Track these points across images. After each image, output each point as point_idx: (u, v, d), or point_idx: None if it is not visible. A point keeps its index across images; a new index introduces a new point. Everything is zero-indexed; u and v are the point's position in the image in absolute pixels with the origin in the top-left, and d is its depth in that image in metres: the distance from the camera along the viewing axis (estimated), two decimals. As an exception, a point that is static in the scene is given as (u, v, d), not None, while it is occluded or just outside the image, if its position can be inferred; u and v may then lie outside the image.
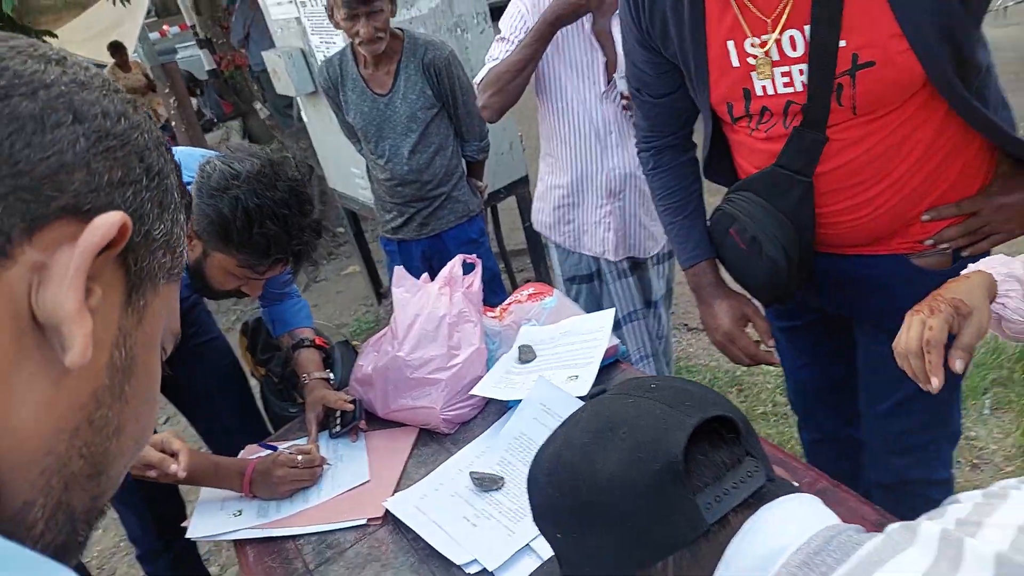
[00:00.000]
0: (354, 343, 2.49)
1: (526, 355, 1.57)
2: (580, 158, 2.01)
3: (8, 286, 0.32)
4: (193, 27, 7.89)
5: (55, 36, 7.32)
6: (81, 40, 7.96)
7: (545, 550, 1.13)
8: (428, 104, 2.22)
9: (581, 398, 1.34)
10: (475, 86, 1.97)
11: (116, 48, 7.92)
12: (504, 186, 3.08)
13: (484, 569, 1.14)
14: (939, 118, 1.08)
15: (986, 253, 1.18)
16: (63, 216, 0.33)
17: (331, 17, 2.13)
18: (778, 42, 1.07)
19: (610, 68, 1.90)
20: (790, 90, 1.10)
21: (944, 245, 1.17)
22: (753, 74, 1.12)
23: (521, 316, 1.76)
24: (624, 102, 1.92)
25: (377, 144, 2.28)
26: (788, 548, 0.54)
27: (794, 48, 1.07)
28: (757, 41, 1.10)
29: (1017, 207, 1.15)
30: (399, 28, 2.24)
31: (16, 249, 0.32)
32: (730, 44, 1.13)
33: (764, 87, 1.12)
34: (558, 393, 1.36)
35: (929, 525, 0.52)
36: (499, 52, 1.90)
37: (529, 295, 1.83)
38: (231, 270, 1.33)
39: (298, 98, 3.42)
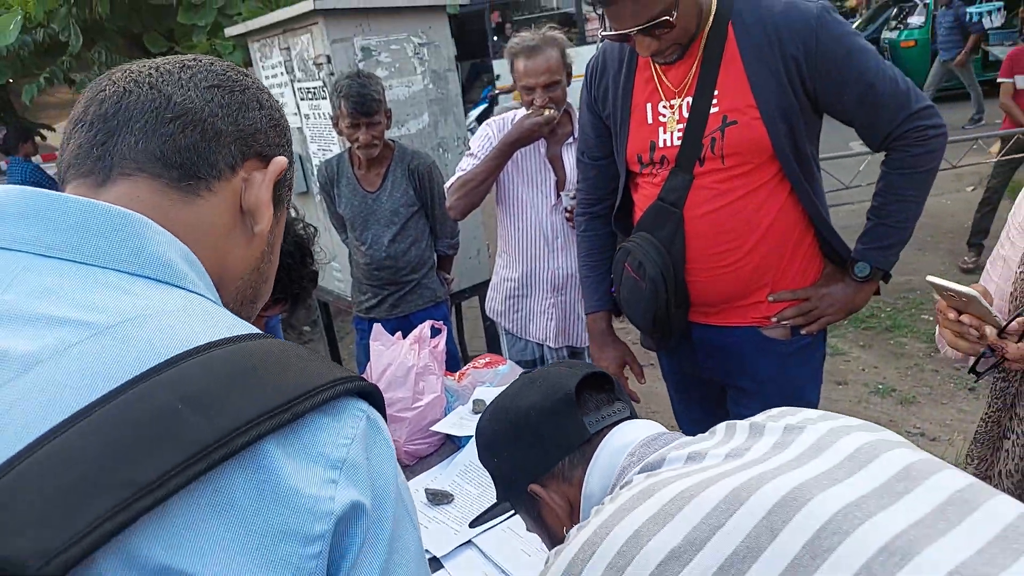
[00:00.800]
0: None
1: (479, 407, 1.84)
2: (530, 257, 2.37)
3: (232, 185, 0.62)
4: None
5: (53, 130, 7.73)
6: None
7: (485, 543, 1.36)
8: (410, 202, 2.59)
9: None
10: (446, 190, 2.35)
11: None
12: (470, 286, 3.43)
13: (434, 557, 1.35)
14: (783, 198, 1.49)
15: (824, 331, 1.57)
16: (257, 156, 0.64)
17: (335, 125, 2.53)
18: (680, 107, 1.49)
19: (560, 186, 2.31)
20: (679, 143, 1.50)
21: (785, 322, 1.55)
22: (660, 129, 1.52)
23: (477, 379, 2.03)
24: (568, 215, 2.30)
25: (362, 232, 2.62)
26: (634, 441, 0.85)
27: (687, 111, 1.48)
28: (667, 104, 1.51)
29: (838, 298, 1.56)
30: (391, 140, 2.66)
31: (238, 167, 0.62)
32: (648, 106, 1.54)
33: (665, 140, 1.52)
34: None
35: (742, 423, 0.82)
36: (467, 164, 2.31)
37: (485, 363, 2.12)
38: None
39: (288, 197, 3.79)
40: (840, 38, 1.40)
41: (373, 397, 0.53)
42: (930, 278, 1.13)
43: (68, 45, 4.80)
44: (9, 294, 0.47)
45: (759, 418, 0.80)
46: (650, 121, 1.54)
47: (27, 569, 0.35)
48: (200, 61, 0.64)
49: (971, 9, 10.14)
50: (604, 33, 1.48)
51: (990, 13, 9.77)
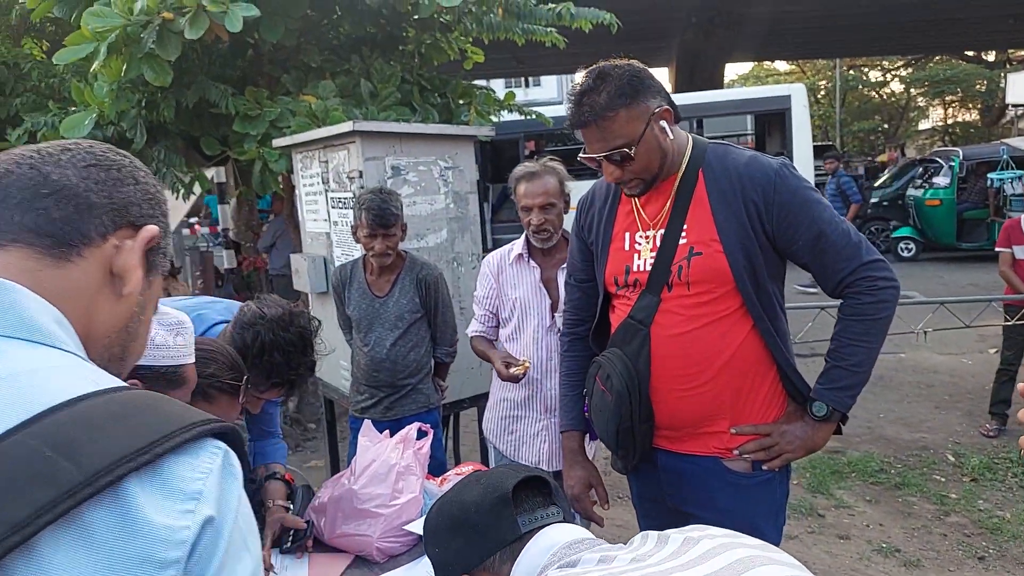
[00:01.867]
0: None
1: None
2: (526, 378, 2.45)
3: (103, 251, 0.69)
4: (225, 230, 8.85)
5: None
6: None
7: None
8: (414, 309, 2.73)
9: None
10: (469, 338, 2.64)
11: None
12: (469, 397, 3.49)
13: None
14: (746, 331, 1.59)
15: (788, 468, 1.62)
16: (130, 225, 0.72)
17: (354, 234, 2.72)
18: (654, 237, 1.64)
19: (554, 307, 2.44)
20: (651, 268, 1.63)
21: (747, 456, 1.60)
22: (635, 255, 1.66)
23: (457, 486, 2.07)
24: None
25: (367, 334, 2.74)
26: (559, 543, 0.92)
27: (660, 241, 1.62)
28: (643, 234, 1.66)
29: (798, 435, 1.62)
30: (404, 250, 2.83)
31: (109, 235, 0.70)
32: (627, 234, 1.70)
33: (638, 265, 1.66)
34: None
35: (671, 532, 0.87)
36: (478, 308, 2.60)
37: (469, 471, 2.15)
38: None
39: (310, 295, 3.97)
40: (796, 190, 1.56)
41: (228, 437, 0.59)
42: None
43: (133, 142, 5.21)
44: None
45: (669, 531, 0.86)
46: (627, 248, 1.70)
47: None
48: (80, 144, 0.73)
49: (992, 175, 10.47)
50: (581, 156, 1.68)
51: (1012, 181, 10.06)
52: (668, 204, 1.64)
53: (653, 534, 0.86)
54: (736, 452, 1.62)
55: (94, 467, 0.49)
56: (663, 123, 1.58)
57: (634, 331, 1.64)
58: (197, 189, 6.07)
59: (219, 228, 9.83)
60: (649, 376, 1.62)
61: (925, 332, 5.00)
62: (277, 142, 4.11)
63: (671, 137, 1.62)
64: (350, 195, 3.35)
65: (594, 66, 1.58)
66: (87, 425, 0.52)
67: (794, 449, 1.61)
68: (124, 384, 0.60)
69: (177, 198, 5.62)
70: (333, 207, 3.59)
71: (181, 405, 0.60)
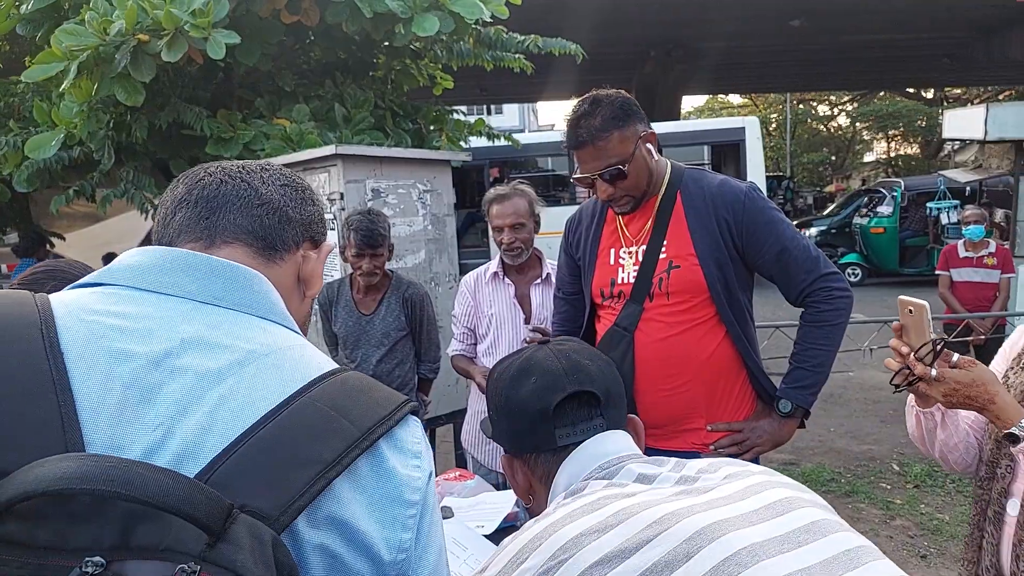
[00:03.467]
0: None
1: (446, 513, 1.97)
2: None
3: (295, 258, 0.81)
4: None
5: (63, 239, 8.06)
6: (83, 247, 8.72)
7: None
8: (400, 327, 2.83)
9: (486, 536, 1.75)
10: (450, 357, 2.74)
11: (109, 259, 8.68)
12: (446, 413, 3.59)
13: None
14: (720, 338, 1.76)
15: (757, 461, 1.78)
16: (310, 240, 0.84)
17: (342, 253, 2.82)
18: (636, 252, 1.80)
19: (527, 321, 2.59)
20: (634, 280, 1.79)
21: (721, 450, 1.76)
22: (619, 269, 1.82)
23: (446, 490, 2.17)
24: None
25: (353, 351, 2.84)
26: (607, 454, 0.96)
27: (642, 256, 1.78)
28: (627, 250, 1.82)
29: (767, 430, 1.78)
30: (390, 270, 2.94)
31: (300, 246, 0.82)
32: (611, 250, 1.86)
33: (623, 278, 1.82)
34: (466, 531, 1.77)
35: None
36: (456, 328, 2.73)
37: (455, 476, 2.26)
38: None
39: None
40: (762, 210, 1.75)
41: (417, 414, 0.73)
42: (901, 297, 1.38)
43: (100, 163, 5.20)
44: (190, 326, 0.65)
45: (704, 463, 0.94)
46: (612, 263, 1.86)
47: (270, 519, 0.54)
48: (272, 165, 0.84)
49: (931, 204, 11.05)
50: (574, 176, 1.82)
51: (948, 210, 10.64)
52: (649, 222, 1.81)
53: (690, 463, 0.92)
54: (712, 447, 1.77)
55: (364, 426, 0.62)
56: (649, 145, 1.76)
57: (619, 337, 1.79)
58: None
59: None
60: (633, 378, 1.77)
61: (871, 349, 5.32)
62: (254, 164, 4.19)
63: (656, 159, 1.79)
64: (331, 217, 3.46)
65: (587, 94, 1.75)
66: (347, 395, 0.65)
67: (763, 443, 1.78)
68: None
69: (146, 219, 5.61)
70: (312, 228, 3.69)
71: (387, 388, 0.72)
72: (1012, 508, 1.35)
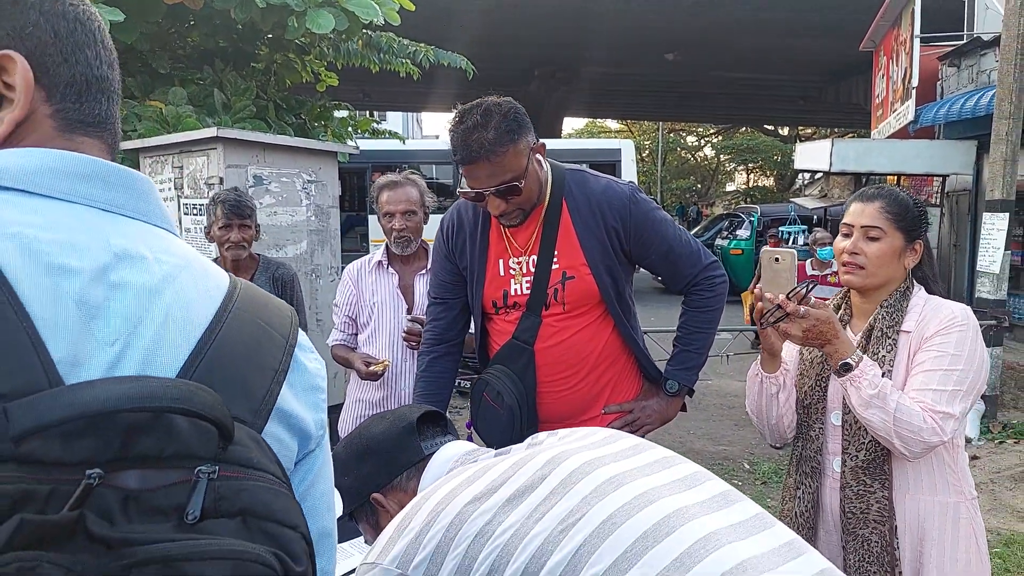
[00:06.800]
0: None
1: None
2: (382, 379, 2.58)
3: None
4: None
5: None
6: None
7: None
8: (274, 310, 2.78)
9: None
10: (329, 347, 2.69)
11: None
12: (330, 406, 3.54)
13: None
14: (609, 332, 1.85)
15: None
16: None
17: (208, 233, 2.74)
18: (526, 263, 1.82)
19: (410, 312, 2.61)
20: (528, 292, 1.82)
21: (615, 431, 1.87)
22: (511, 280, 1.84)
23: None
24: (405, 335, 2.50)
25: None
26: (459, 453, 1.13)
27: (533, 267, 1.82)
28: (515, 260, 1.84)
29: (655, 409, 1.91)
30: (258, 253, 2.89)
31: None
32: (500, 261, 1.86)
33: (516, 289, 1.84)
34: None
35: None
36: (336, 317, 2.69)
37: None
38: None
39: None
40: (647, 212, 1.83)
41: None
42: (766, 248, 1.61)
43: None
44: (115, 239, 0.63)
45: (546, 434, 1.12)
46: (502, 274, 1.86)
47: (248, 422, 0.59)
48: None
49: (783, 228, 12.08)
50: (461, 190, 1.78)
51: (796, 233, 11.67)
52: (536, 232, 1.82)
53: (538, 436, 1.10)
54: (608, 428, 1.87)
55: (284, 333, 0.68)
56: (539, 156, 1.77)
57: (519, 351, 1.82)
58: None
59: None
60: (536, 386, 1.82)
61: (728, 355, 5.79)
62: (124, 144, 3.99)
63: (545, 169, 1.81)
64: (208, 201, 3.35)
65: (474, 102, 1.68)
66: (262, 307, 0.69)
67: (653, 420, 1.89)
68: None
69: None
70: (186, 214, 3.54)
71: (273, 296, 0.75)
72: (836, 465, 1.56)
